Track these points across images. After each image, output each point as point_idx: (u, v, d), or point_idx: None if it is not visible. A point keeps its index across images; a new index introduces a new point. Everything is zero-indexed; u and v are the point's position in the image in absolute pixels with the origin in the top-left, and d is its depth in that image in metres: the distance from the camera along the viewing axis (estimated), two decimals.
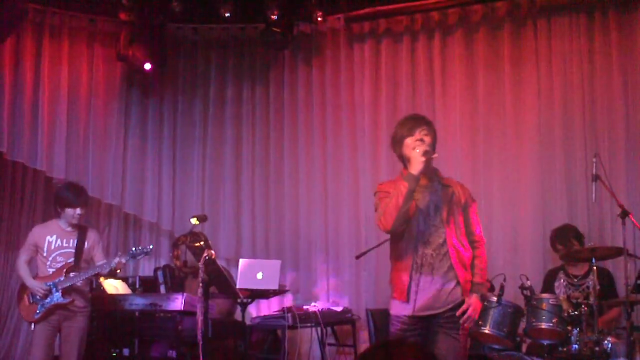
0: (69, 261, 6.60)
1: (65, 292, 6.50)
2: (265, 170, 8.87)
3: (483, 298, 4.82)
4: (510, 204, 7.85)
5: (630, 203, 6.94)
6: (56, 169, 8.43)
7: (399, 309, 4.72)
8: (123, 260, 6.52)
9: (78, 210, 6.63)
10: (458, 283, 4.67)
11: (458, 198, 4.79)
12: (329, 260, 8.50)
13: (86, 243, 6.71)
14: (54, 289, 6.49)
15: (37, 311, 6.51)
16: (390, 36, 8.54)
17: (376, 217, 4.75)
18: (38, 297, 6.52)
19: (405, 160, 4.76)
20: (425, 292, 4.64)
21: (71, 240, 6.67)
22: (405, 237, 4.71)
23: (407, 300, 4.66)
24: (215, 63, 9.12)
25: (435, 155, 4.69)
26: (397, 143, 4.81)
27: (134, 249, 6.72)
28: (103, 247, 7.05)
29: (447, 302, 4.66)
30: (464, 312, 4.63)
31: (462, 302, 4.65)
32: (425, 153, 4.59)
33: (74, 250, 6.64)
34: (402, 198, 4.58)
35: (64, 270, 6.54)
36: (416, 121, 4.82)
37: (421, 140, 4.69)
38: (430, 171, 4.76)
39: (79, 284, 6.56)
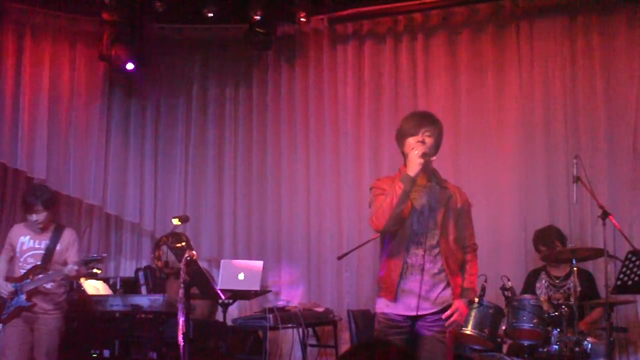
0: (38, 263, 6.45)
1: (31, 294, 6.34)
2: (247, 171, 8.86)
3: (471, 303, 4.80)
4: (491, 205, 7.85)
5: (611, 204, 6.95)
6: (37, 170, 8.37)
7: (386, 308, 4.69)
8: (76, 267, 6.34)
9: (34, 217, 6.45)
10: (448, 285, 4.65)
11: (455, 202, 4.76)
12: (310, 261, 8.49)
13: (59, 245, 6.54)
14: (19, 291, 6.35)
15: (5, 312, 6.40)
16: (374, 37, 8.54)
17: (369, 215, 4.73)
18: (5, 297, 6.42)
19: (405, 157, 4.72)
20: (414, 293, 4.61)
21: (43, 242, 6.52)
22: (398, 236, 4.68)
23: (395, 300, 4.65)
24: (198, 63, 9.10)
25: (434, 158, 4.66)
26: (400, 139, 4.77)
27: (94, 255, 6.64)
28: (80, 248, 6.90)
29: (435, 304, 4.63)
30: (450, 316, 4.62)
31: (450, 306, 4.64)
32: (423, 155, 4.55)
33: (44, 252, 6.51)
34: (396, 199, 4.56)
35: (32, 272, 6.41)
36: (421, 120, 4.76)
37: (422, 142, 4.64)
38: (429, 172, 4.73)
39: (48, 286, 6.41)
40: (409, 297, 4.62)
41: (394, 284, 4.65)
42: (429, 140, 4.66)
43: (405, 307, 4.63)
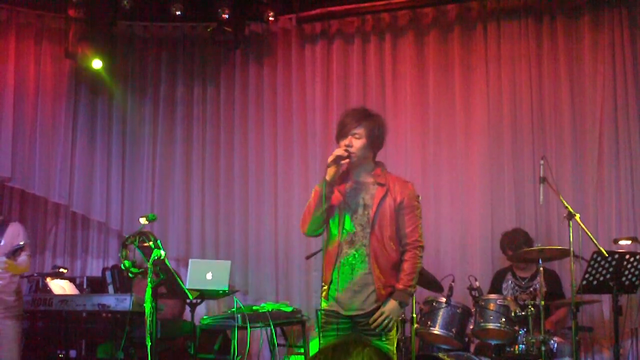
0: None
1: None
2: (215, 169, 8.83)
3: (402, 305, 4.68)
4: (458, 205, 7.91)
5: (577, 205, 7.03)
6: (1, 168, 8.28)
7: (325, 304, 4.72)
8: (4, 259, 6.28)
9: None
10: (374, 290, 4.62)
11: (392, 198, 4.66)
12: (278, 261, 8.48)
13: (2, 240, 6.50)
14: None
15: None
16: (342, 37, 8.55)
17: None
18: None
19: None
20: (344, 293, 4.64)
21: None
22: (333, 236, 4.70)
23: (329, 299, 4.69)
24: (165, 62, 9.03)
25: (346, 161, 4.62)
26: (336, 137, 4.78)
27: (17, 244, 6.46)
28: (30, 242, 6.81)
29: (362, 306, 4.64)
30: (375, 319, 4.61)
31: (378, 308, 4.62)
32: (334, 159, 4.58)
33: None
34: (313, 203, 4.60)
35: None
36: (349, 122, 4.69)
37: (349, 145, 4.62)
38: (367, 169, 4.75)
39: None
40: (340, 297, 4.65)
41: (327, 284, 4.69)
42: (357, 143, 4.64)
43: (338, 306, 4.67)
